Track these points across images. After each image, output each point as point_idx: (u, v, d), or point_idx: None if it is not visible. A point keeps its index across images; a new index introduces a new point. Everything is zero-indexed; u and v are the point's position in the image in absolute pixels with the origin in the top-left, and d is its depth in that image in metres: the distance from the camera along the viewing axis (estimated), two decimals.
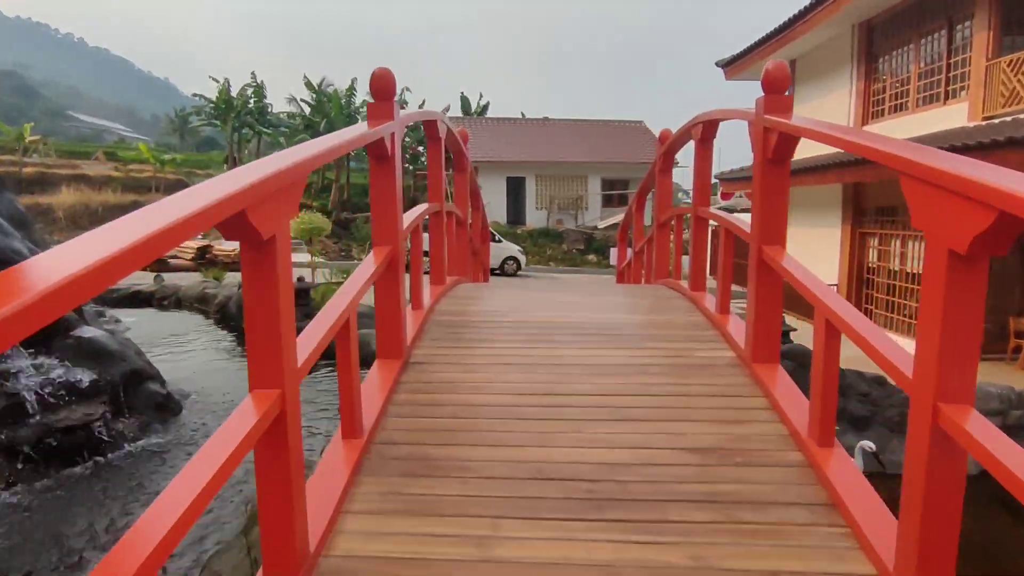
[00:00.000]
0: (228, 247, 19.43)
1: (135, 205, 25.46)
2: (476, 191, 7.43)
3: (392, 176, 3.28)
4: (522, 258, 22.61)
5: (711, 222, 4.71)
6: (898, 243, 12.57)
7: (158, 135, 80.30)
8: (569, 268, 25.70)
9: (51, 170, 28.57)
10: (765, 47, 15.39)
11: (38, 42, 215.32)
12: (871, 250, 13.50)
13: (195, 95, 36.49)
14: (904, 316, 12.12)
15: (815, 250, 15.02)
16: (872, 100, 13.65)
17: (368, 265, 3.08)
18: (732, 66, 17.42)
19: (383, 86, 3.29)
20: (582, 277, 22.70)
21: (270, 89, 39.76)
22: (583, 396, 3.27)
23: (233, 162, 35.61)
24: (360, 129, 2.91)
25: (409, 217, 3.77)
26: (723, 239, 4.13)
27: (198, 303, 11.92)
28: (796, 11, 13.53)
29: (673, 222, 6.04)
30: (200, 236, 22.35)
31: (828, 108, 14.66)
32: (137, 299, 12.67)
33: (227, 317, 10.82)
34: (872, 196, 13.16)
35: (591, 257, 27.48)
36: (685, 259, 6.07)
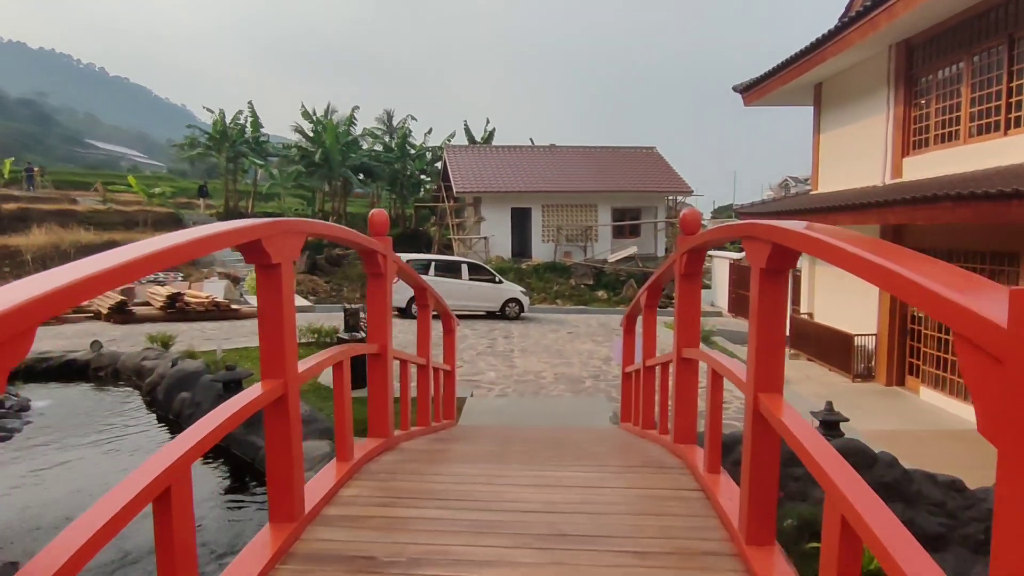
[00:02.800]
0: (201, 295, 17.92)
1: (109, 245, 24.16)
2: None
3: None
4: (525, 300, 20.93)
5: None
6: None
7: (172, 161, 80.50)
8: (577, 308, 23.94)
9: (34, 205, 27.35)
10: (788, 71, 13.74)
11: (58, 71, 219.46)
12: None
13: (189, 126, 35.44)
14: (958, 376, 10.23)
15: (849, 298, 13.26)
16: (913, 128, 11.88)
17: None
18: (751, 91, 15.77)
19: None
20: (591, 321, 20.93)
21: (283, 117, 38.71)
22: None
23: (226, 193, 34.43)
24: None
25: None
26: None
27: (136, 376, 10.32)
28: (824, 32, 11.89)
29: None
30: (175, 279, 20.86)
31: (861, 138, 12.94)
32: (70, 369, 11.10)
33: (156, 401, 9.18)
34: (918, 237, 11.39)
35: (600, 293, 25.72)
36: None
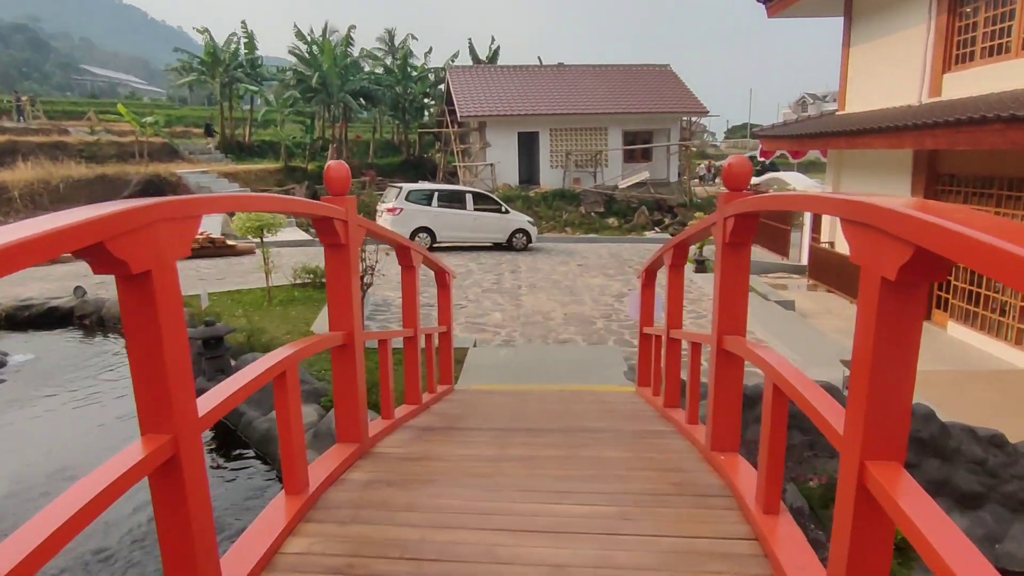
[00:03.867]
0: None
1: (101, 180, 23.30)
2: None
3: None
4: (533, 230, 20.06)
5: None
6: (990, 207, 9.86)
7: (172, 88, 77.87)
8: (587, 237, 23.08)
9: (24, 137, 26.30)
10: None
11: None
12: None
13: (177, 49, 33.71)
14: (992, 312, 9.50)
15: None
16: (957, 40, 10.69)
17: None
18: (776, 1, 14.39)
19: None
20: (602, 251, 20.12)
21: (281, 39, 36.46)
22: None
23: (221, 119, 33.12)
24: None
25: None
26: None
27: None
28: None
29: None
30: None
31: (896, 51, 11.75)
32: (53, 317, 10.49)
33: None
34: (955, 162, 10.43)
35: (611, 221, 24.77)
36: None
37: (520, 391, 5.66)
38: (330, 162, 2.94)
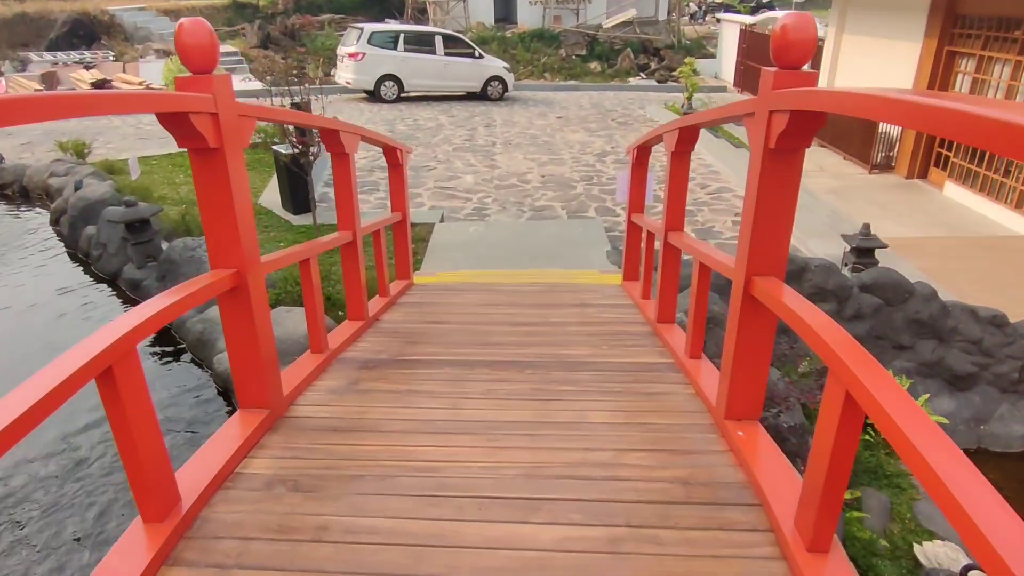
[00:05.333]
0: (135, 80, 15.38)
1: (22, 19, 20.62)
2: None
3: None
4: (509, 77, 18.43)
5: None
6: (1007, 70, 8.89)
7: None
8: (567, 84, 21.44)
9: None
10: None
11: None
12: (961, 76, 9.96)
13: None
14: (996, 174, 8.82)
15: (881, 68, 11.31)
16: None
17: None
18: None
19: None
20: (583, 100, 18.70)
21: None
22: None
23: None
24: None
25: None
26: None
27: (47, 196, 8.60)
28: None
29: None
30: (104, 59, 18.07)
31: None
32: None
33: (63, 234, 7.56)
34: (977, 1, 9.24)
35: (593, 65, 22.97)
36: None
37: (489, 285, 4.90)
38: (183, 22, 1.94)
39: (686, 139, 3.13)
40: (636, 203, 4.56)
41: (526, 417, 2.52)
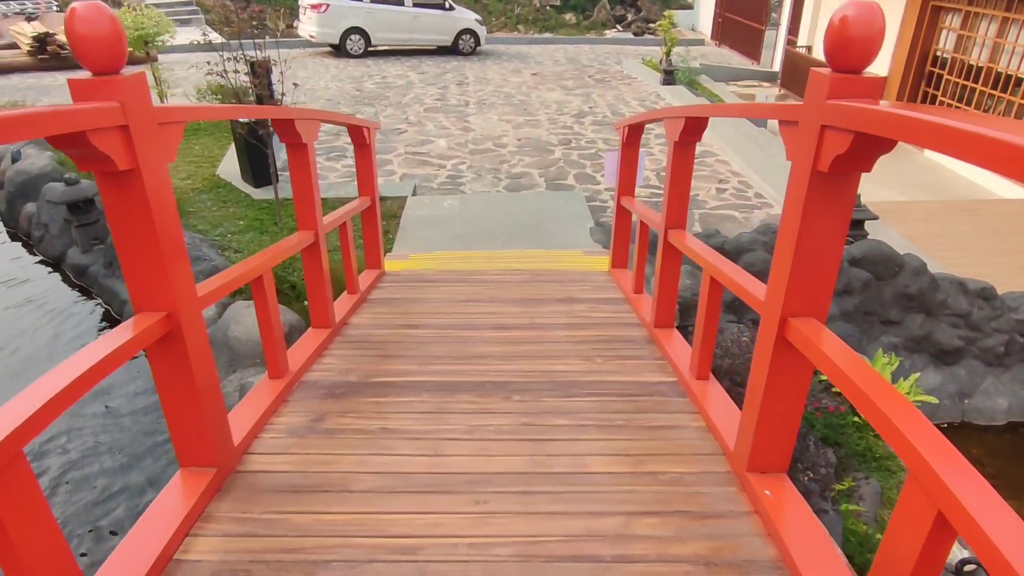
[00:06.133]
0: (35, 29, 14.25)
1: None
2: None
3: None
4: (481, 31, 17.65)
5: None
6: (992, 27, 8.61)
7: None
8: (541, 38, 20.68)
9: None
10: None
11: None
12: (945, 32, 9.72)
13: None
14: None
15: None
16: None
17: None
18: None
19: None
20: (558, 55, 18.03)
21: None
22: None
23: None
24: None
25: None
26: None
27: None
28: None
29: None
30: (48, 9, 16.86)
31: None
32: None
33: (4, 210, 6.96)
34: None
35: (568, 17, 22.20)
36: None
37: (467, 274, 4.53)
38: (76, 6, 1.49)
39: (692, 128, 2.76)
40: (626, 185, 4.19)
41: (517, 467, 2.19)
